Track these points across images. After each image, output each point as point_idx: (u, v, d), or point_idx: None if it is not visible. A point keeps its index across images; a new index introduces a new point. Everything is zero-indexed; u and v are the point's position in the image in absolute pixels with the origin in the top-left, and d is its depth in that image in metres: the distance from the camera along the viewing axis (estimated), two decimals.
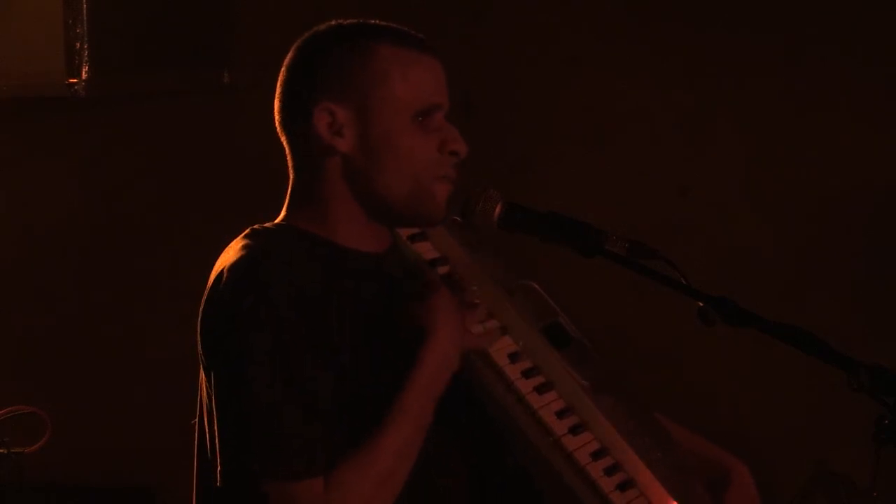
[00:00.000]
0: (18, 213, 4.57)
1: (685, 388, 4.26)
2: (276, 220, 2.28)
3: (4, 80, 4.12)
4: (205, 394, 2.18)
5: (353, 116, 2.20)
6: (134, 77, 4.25)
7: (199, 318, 2.17)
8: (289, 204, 2.28)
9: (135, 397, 4.50)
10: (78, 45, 4.01)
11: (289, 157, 2.28)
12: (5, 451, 3.84)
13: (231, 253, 2.17)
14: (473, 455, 2.29)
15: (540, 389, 2.29)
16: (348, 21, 2.29)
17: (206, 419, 2.17)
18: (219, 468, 2.11)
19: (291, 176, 2.28)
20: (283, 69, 2.29)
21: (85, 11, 4.00)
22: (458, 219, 2.29)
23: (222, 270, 2.14)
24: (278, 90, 2.28)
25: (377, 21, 2.28)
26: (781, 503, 4.06)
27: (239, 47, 4.45)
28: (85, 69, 4.02)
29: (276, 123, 2.29)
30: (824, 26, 4.19)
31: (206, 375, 2.17)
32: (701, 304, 2.14)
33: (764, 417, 4.23)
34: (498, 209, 2.26)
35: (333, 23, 2.29)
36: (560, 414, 2.27)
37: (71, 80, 4.04)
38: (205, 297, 2.17)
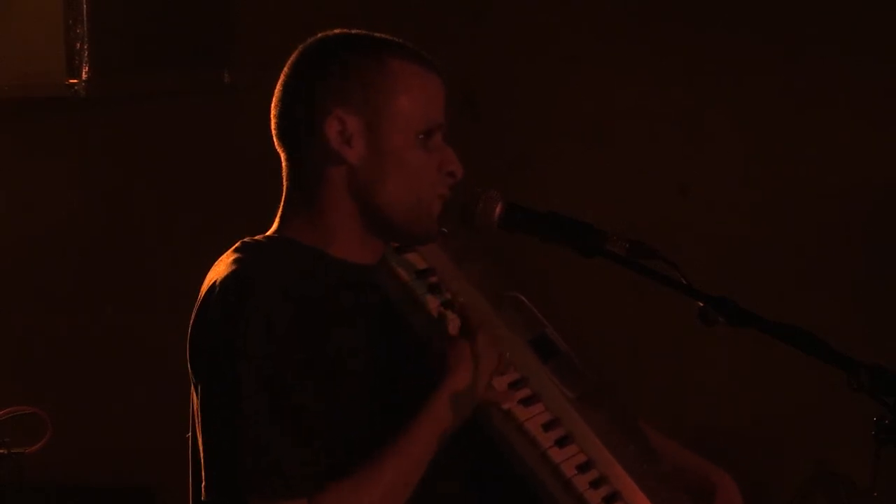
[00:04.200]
0: (18, 214, 4.57)
1: (685, 387, 4.26)
2: (269, 232, 2.26)
3: (4, 80, 4.12)
4: (196, 406, 2.16)
5: (363, 127, 2.18)
6: (134, 77, 4.25)
7: (189, 333, 2.15)
8: (282, 214, 2.26)
9: (135, 397, 4.50)
10: (78, 45, 4.01)
11: (286, 166, 2.25)
12: (6, 452, 3.84)
13: (222, 267, 2.15)
14: (471, 460, 2.29)
15: (526, 402, 2.28)
16: (356, 31, 2.27)
17: (197, 431, 2.16)
18: (203, 482, 2.10)
19: (287, 185, 2.25)
20: (286, 74, 2.25)
21: (85, 11, 4.00)
22: (445, 230, 2.28)
23: (213, 285, 2.12)
24: (280, 95, 2.25)
25: (385, 35, 2.28)
26: (781, 503, 4.07)
27: (239, 47, 4.45)
28: (85, 69, 4.03)
29: (275, 129, 2.25)
30: (823, 25, 4.19)
31: (194, 389, 2.15)
32: (701, 304, 2.13)
33: (764, 417, 4.23)
34: (498, 209, 2.26)
35: (339, 31, 2.27)
36: (546, 426, 2.27)
37: (71, 80, 4.05)
38: (195, 313, 2.15)
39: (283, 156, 2.26)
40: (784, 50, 4.23)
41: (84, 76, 4.04)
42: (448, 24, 4.29)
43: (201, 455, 2.11)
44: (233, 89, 4.44)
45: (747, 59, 4.25)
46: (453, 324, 2.24)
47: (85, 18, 4.01)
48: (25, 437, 3.86)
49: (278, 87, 2.26)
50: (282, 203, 2.27)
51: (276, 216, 2.27)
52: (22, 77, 4.11)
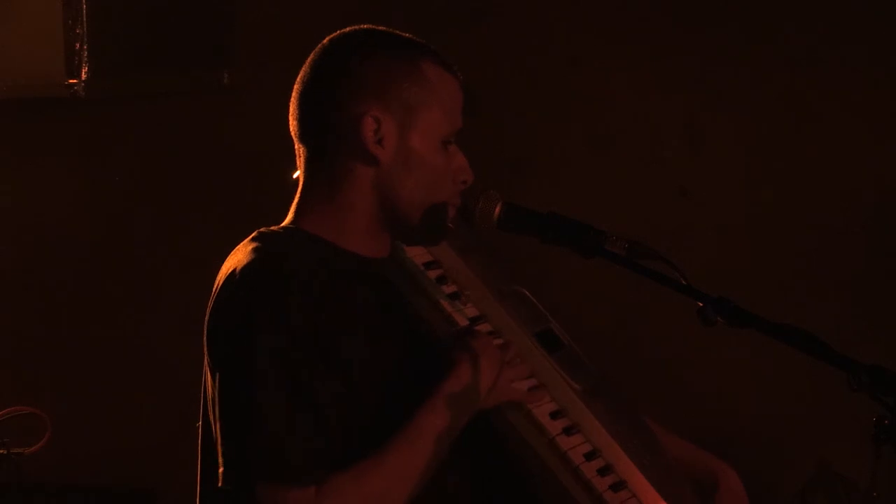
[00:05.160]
0: (18, 214, 4.57)
1: (685, 388, 4.26)
2: (283, 224, 2.27)
3: (4, 80, 4.12)
4: (210, 393, 2.17)
5: (395, 128, 2.20)
6: (134, 77, 4.25)
7: (208, 318, 2.17)
8: (298, 206, 2.27)
9: (135, 397, 4.49)
10: (78, 45, 4.01)
11: (306, 159, 2.26)
12: (5, 452, 3.83)
13: (241, 255, 2.17)
14: (478, 453, 2.29)
15: (533, 392, 2.30)
16: (383, 28, 2.29)
17: (212, 419, 2.17)
18: (220, 468, 2.11)
19: (306, 178, 2.26)
20: (313, 66, 2.25)
21: (85, 12, 3.99)
22: (451, 225, 2.29)
23: (234, 271, 2.15)
24: (305, 89, 2.25)
25: (410, 35, 2.28)
26: (781, 503, 4.07)
27: (239, 47, 4.45)
28: (85, 70, 4.02)
29: (297, 122, 2.26)
30: (824, 28, 4.19)
31: (210, 374, 2.17)
32: (701, 304, 2.14)
33: (764, 417, 4.23)
34: (497, 210, 2.27)
35: (367, 27, 2.28)
36: (553, 415, 2.29)
37: (71, 81, 4.04)
38: (214, 297, 2.17)
39: (303, 148, 2.26)
40: (784, 50, 4.23)
41: (84, 76, 4.03)
42: (448, 24, 4.28)
43: (217, 441, 2.12)
44: (233, 89, 4.44)
45: (747, 60, 4.25)
46: (461, 319, 2.27)
47: (84, 19, 4.00)
48: (25, 437, 3.86)
49: (302, 79, 2.26)
50: (298, 195, 2.28)
51: (290, 207, 2.28)
52: (22, 77, 4.11)
